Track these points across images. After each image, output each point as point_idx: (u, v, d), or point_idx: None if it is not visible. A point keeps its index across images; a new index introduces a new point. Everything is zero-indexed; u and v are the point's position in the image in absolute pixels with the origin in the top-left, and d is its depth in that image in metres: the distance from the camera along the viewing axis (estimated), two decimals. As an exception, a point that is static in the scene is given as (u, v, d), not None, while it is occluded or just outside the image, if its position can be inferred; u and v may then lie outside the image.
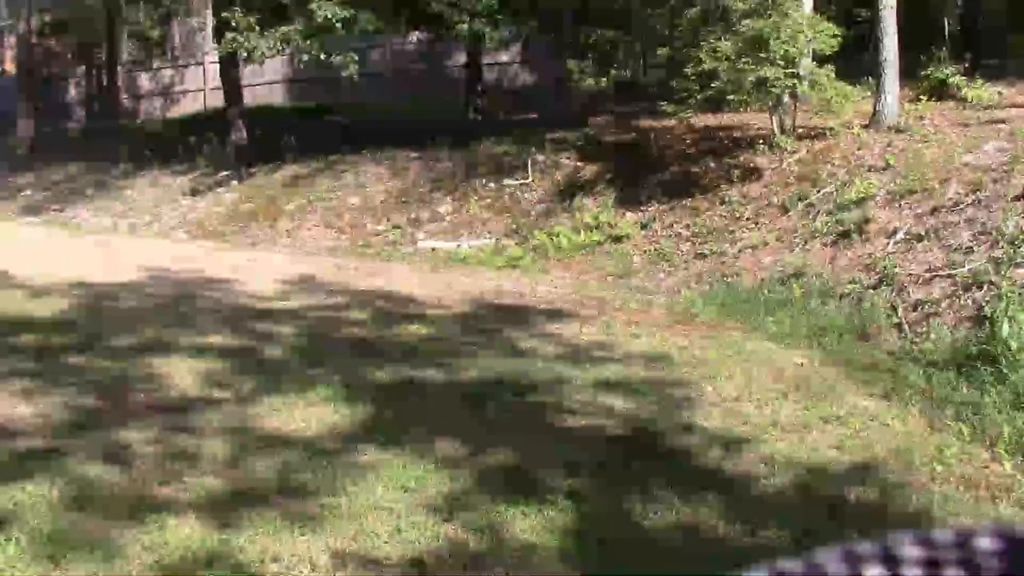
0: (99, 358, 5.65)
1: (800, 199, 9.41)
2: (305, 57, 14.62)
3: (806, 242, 8.70)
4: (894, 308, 7.04)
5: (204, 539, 3.34)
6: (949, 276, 7.02)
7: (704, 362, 6.12)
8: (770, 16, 10.52)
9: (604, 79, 20.27)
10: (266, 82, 22.64)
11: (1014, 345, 5.63)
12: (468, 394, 5.22)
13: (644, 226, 10.72)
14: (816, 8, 13.36)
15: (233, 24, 14.00)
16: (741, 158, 10.82)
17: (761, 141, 10.85)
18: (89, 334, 6.17)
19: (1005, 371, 5.44)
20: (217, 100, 20.67)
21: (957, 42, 16.79)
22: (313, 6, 13.27)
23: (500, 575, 3.22)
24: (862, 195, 8.70)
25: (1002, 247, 6.91)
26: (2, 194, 17.93)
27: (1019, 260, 6.70)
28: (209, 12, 22.40)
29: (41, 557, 3.16)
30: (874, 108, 10.79)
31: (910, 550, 0.24)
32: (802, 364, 6.21)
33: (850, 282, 7.70)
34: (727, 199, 10.21)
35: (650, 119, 13.77)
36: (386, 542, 3.40)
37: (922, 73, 12.10)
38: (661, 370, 5.94)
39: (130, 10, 25.63)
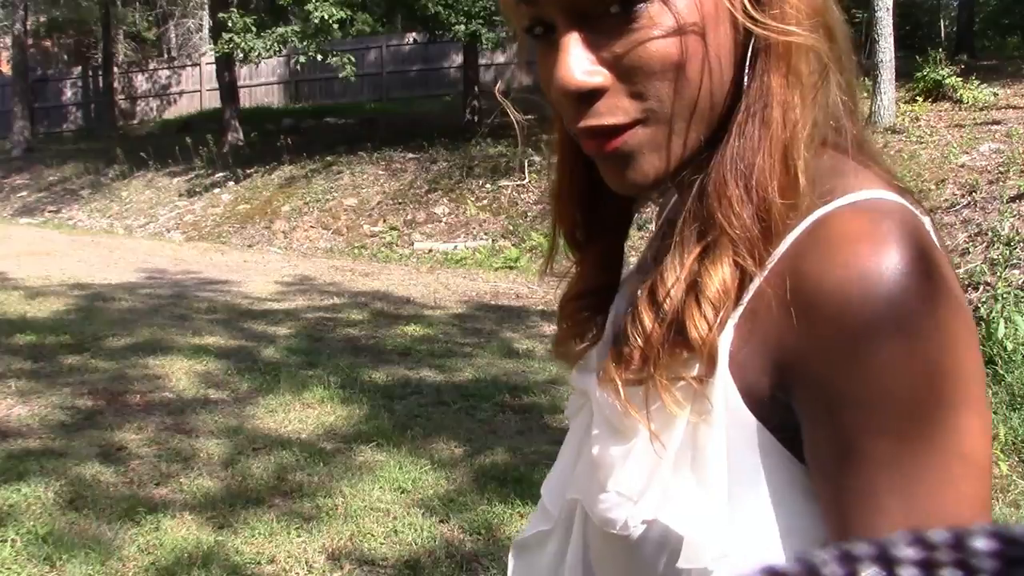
0: (95, 358, 5.65)
1: (796, 200, 9.44)
2: (302, 58, 14.62)
3: (802, 243, 8.73)
4: (890, 309, 7.06)
5: (200, 540, 3.34)
6: (945, 277, 7.04)
7: (700, 363, 6.13)
8: (766, 17, 10.55)
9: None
10: (263, 83, 22.68)
11: (1009, 346, 5.64)
12: (464, 395, 5.23)
13: (641, 227, 10.74)
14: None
15: (230, 25, 14.01)
16: (737, 159, 10.84)
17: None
18: (85, 335, 6.17)
19: (1001, 372, 5.45)
20: (214, 101, 20.69)
21: (953, 43, 16.83)
22: (310, 7, 13.27)
23: (496, 576, 3.22)
24: (858, 196, 8.73)
25: (997, 248, 6.93)
26: (-2, 195, 17.92)
27: (1015, 261, 6.72)
28: (206, 13, 22.41)
29: (37, 558, 3.16)
30: (870, 109, 10.81)
31: (906, 550, 0.24)
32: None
33: (846, 283, 7.72)
34: (723, 200, 10.23)
35: (646, 120, 13.80)
36: (382, 543, 3.40)
37: (918, 74, 12.14)
38: (657, 371, 5.93)
39: (126, 11, 25.63)
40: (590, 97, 0.65)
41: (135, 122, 23.90)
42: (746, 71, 0.64)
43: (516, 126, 0.79)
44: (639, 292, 0.68)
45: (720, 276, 0.63)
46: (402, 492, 3.86)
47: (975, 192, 7.83)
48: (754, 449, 0.63)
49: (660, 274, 0.66)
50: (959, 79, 11.55)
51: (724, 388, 0.63)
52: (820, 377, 0.59)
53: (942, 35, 19.87)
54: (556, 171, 0.79)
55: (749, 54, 0.64)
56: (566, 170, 0.77)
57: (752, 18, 0.63)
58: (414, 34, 19.80)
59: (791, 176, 0.63)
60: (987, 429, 0.59)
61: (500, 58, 19.58)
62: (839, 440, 0.58)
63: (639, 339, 0.67)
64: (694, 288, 0.64)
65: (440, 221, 12.64)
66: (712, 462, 0.64)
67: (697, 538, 0.64)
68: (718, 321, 0.63)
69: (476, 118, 15.40)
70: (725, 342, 0.64)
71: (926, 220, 0.63)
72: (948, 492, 0.57)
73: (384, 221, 12.95)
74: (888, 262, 0.57)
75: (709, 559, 0.63)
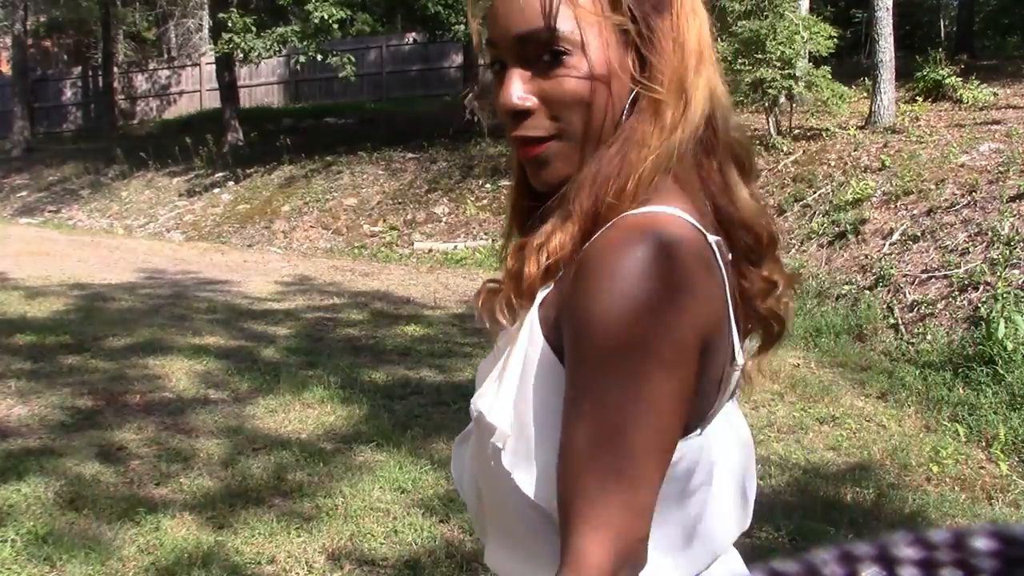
0: (95, 358, 5.65)
1: (796, 200, 9.43)
2: (302, 58, 14.62)
3: (802, 243, 8.72)
4: (890, 309, 7.05)
5: (200, 540, 3.33)
6: (945, 277, 7.03)
7: (700, 363, 6.12)
8: (767, 17, 10.54)
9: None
10: (263, 83, 22.67)
11: (1009, 346, 5.64)
12: (464, 395, 5.22)
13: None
14: (812, 9, 13.39)
15: (230, 25, 14.00)
16: (737, 159, 10.83)
17: (757, 142, 10.87)
18: (85, 334, 6.17)
19: (1001, 372, 5.45)
20: (214, 101, 20.68)
21: (953, 43, 16.82)
22: (310, 7, 13.26)
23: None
24: (858, 196, 8.72)
25: (997, 248, 6.92)
26: (-2, 195, 17.90)
27: (1014, 261, 6.72)
28: (206, 13, 22.40)
29: (37, 558, 3.16)
30: (870, 109, 10.81)
31: (906, 550, 0.24)
32: (798, 365, 6.22)
33: (846, 283, 7.71)
34: (723, 200, 10.21)
35: (646, 120, 13.79)
36: (382, 543, 3.40)
37: (918, 74, 12.13)
38: (657, 371, 5.93)
39: (126, 11, 25.61)
40: (522, 115, 0.92)
41: (135, 122, 23.89)
42: (626, 110, 0.91)
43: (482, 123, 1.02)
44: (517, 244, 0.96)
45: (560, 239, 0.90)
46: (402, 492, 3.85)
47: (975, 192, 7.83)
48: (543, 364, 0.89)
49: (535, 233, 0.93)
50: (959, 79, 11.54)
51: (533, 318, 0.91)
52: (566, 319, 0.85)
53: (942, 35, 19.86)
54: (513, 175, 1.05)
55: (630, 100, 0.91)
56: (518, 174, 1.02)
57: (634, 78, 0.91)
58: (414, 34, 19.79)
59: (626, 187, 0.89)
60: (669, 384, 0.81)
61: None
62: (568, 364, 0.84)
63: (504, 274, 0.96)
64: (544, 243, 0.91)
65: (440, 221, 12.64)
66: (511, 369, 0.91)
67: (498, 424, 0.90)
68: (545, 267, 0.90)
69: (476, 118, 15.39)
70: (546, 290, 0.91)
71: (712, 240, 0.88)
72: (624, 417, 0.80)
73: (384, 221, 12.95)
74: (625, 251, 0.82)
75: (499, 440, 0.90)
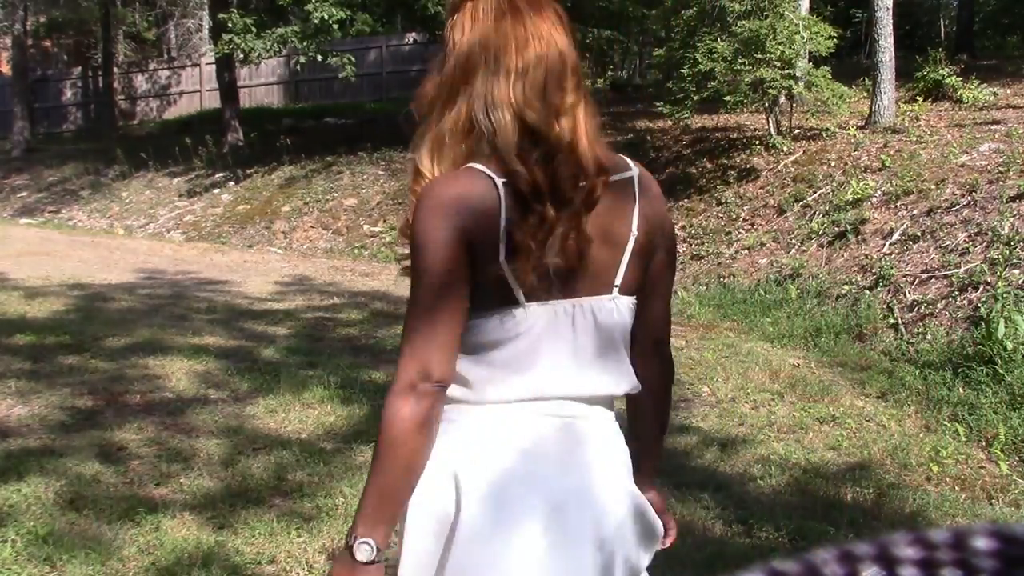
0: (94, 358, 5.64)
1: (796, 200, 9.43)
2: (302, 58, 14.62)
3: (802, 243, 8.72)
4: (890, 309, 7.05)
5: (200, 540, 3.33)
6: (945, 277, 7.03)
7: (700, 363, 6.13)
8: (766, 17, 10.54)
9: (600, 80, 20.32)
10: (263, 83, 22.67)
11: (1009, 345, 5.64)
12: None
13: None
14: (812, 9, 13.39)
15: (230, 25, 13.99)
16: (737, 159, 10.84)
17: (757, 142, 10.87)
18: (84, 335, 6.16)
19: (1001, 371, 5.45)
20: (214, 101, 20.67)
21: (953, 43, 16.82)
22: (310, 7, 13.26)
23: None
24: (858, 196, 8.72)
25: (997, 248, 6.92)
26: (-2, 195, 17.90)
27: (1014, 261, 6.72)
28: (206, 13, 22.39)
29: (37, 558, 3.15)
30: (870, 109, 10.82)
31: (906, 550, 0.24)
32: (798, 365, 6.22)
33: (846, 283, 7.71)
34: (723, 200, 10.23)
35: (646, 120, 13.80)
36: (382, 543, 3.40)
37: (918, 74, 12.13)
38: (657, 371, 5.92)
39: (126, 11, 25.60)
40: None
41: (135, 122, 23.88)
42: None
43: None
44: None
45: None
46: (402, 492, 3.85)
47: (975, 192, 7.83)
48: None
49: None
50: (959, 79, 11.54)
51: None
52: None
53: (942, 35, 19.86)
54: None
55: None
56: None
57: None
58: (414, 34, 19.79)
59: (438, 150, 1.34)
60: (437, 265, 1.29)
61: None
62: None
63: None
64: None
65: (440, 221, 12.63)
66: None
67: None
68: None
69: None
70: None
71: (499, 181, 1.29)
72: (416, 286, 1.31)
73: (384, 221, 12.95)
74: (429, 189, 1.31)
75: None
